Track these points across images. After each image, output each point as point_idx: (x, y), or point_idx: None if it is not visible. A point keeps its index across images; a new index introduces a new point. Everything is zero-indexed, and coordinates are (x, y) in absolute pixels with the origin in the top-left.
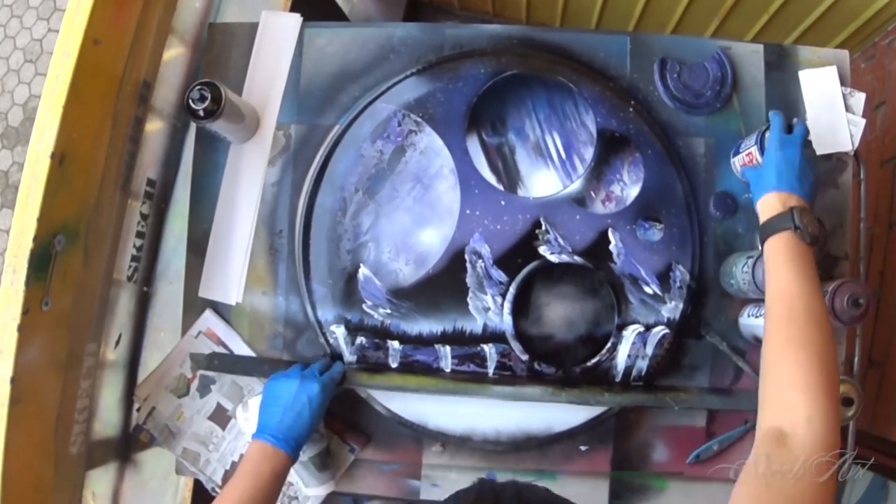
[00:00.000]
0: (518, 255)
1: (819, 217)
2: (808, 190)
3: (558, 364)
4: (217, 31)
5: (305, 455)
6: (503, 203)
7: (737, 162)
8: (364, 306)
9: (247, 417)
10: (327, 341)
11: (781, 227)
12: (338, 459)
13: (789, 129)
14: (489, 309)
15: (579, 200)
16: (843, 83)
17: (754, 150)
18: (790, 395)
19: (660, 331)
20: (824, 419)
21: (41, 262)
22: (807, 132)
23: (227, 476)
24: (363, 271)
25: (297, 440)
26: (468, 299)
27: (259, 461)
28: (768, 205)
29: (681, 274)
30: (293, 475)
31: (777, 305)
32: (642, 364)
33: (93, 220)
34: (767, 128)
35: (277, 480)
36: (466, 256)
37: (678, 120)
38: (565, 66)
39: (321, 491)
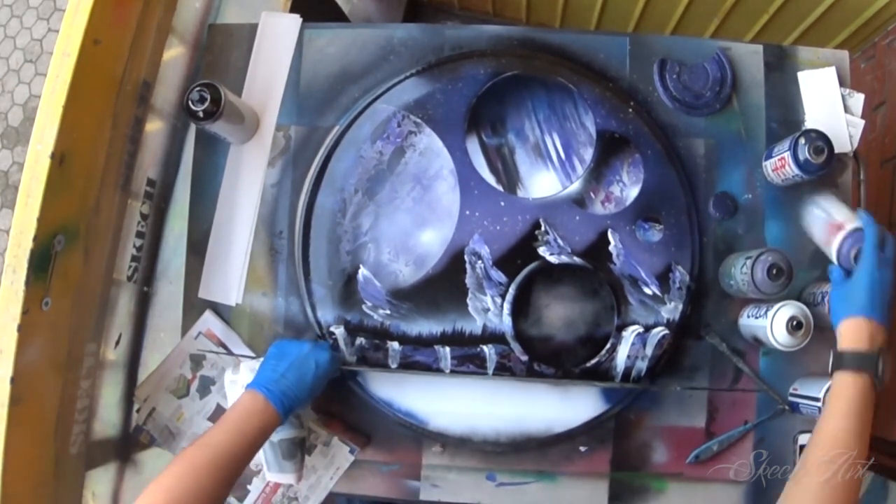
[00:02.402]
0: (517, 256)
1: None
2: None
3: (558, 365)
4: (217, 32)
5: (277, 436)
6: (503, 204)
7: (768, 166)
8: (364, 307)
9: (234, 381)
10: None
11: (863, 368)
12: (337, 460)
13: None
14: (489, 310)
15: (579, 201)
16: (842, 84)
17: (787, 155)
18: None
19: (659, 332)
20: None
21: (41, 262)
22: None
23: None
24: (363, 272)
25: (291, 403)
26: (468, 300)
27: (249, 416)
28: (856, 333)
29: (680, 275)
30: (259, 455)
31: (826, 451)
32: (642, 365)
33: (93, 220)
34: (802, 134)
35: (262, 438)
36: (466, 257)
37: (678, 121)
38: (565, 67)
39: (280, 479)
